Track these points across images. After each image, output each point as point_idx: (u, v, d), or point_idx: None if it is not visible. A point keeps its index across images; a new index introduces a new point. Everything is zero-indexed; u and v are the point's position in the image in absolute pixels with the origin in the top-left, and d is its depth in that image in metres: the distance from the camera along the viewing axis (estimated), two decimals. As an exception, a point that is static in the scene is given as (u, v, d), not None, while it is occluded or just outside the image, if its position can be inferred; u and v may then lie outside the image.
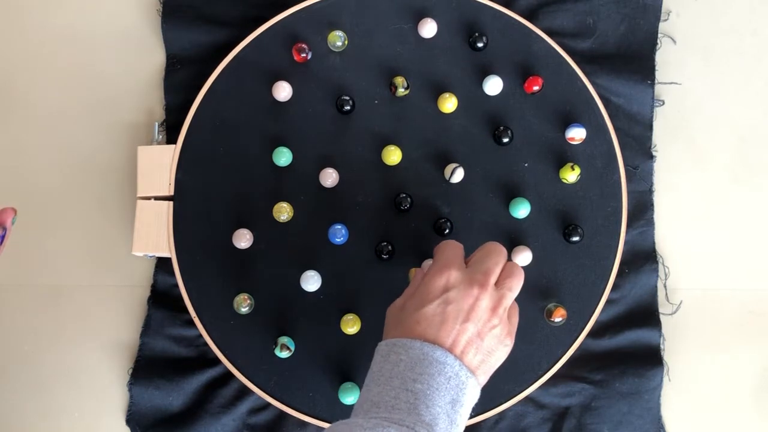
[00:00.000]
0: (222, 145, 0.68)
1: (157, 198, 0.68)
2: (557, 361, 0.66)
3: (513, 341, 0.54)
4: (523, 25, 0.70)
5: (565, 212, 0.68)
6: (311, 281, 0.65)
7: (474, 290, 0.51)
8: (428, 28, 0.69)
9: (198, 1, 0.72)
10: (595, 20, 0.72)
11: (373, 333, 0.66)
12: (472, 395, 0.50)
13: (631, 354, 0.68)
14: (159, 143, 0.70)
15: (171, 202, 0.67)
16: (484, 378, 0.52)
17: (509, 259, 0.67)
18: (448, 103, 0.68)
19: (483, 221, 0.68)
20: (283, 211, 0.66)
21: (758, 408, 0.70)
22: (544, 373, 0.66)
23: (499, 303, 0.52)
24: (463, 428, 0.50)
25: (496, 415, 0.66)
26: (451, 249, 0.55)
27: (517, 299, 0.67)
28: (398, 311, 0.54)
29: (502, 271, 0.54)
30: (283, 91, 0.68)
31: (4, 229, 0.55)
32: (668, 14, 0.74)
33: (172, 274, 0.67)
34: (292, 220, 0.67)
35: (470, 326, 0.50)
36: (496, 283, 0.53)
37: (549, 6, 0.72)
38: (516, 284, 0.54)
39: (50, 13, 0.73)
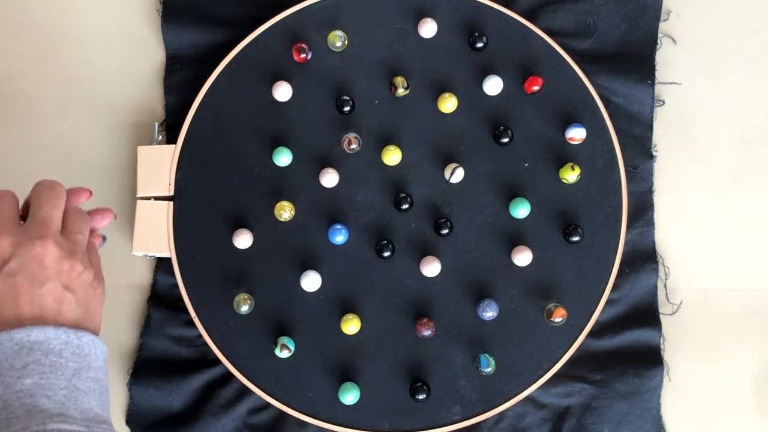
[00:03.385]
0: (222, 145, 0.68)
1: (157, 198, 0.68)
2: (557, 361, 0.66)
3: (103, 280, 0.49)
4: (523, 25, 0.70)
5: (565, 212, 0.68)
6: (311, 281, 0.65)
7: (37, 248, 0.45)
8: (428, 28, 0.69)
9: (198, 1, 0.72)
10: (595, 20, 0.72)
11: (373, 333, 0.66)
12: (94, 349, 0.45)
13: (631, 354, 0.68)
14: (159, 143, 0.70)
15: (171, 202, 0.67)
16: (94, 324, 0.47)
17: (509, 259, 0.67)
18: (448, 103, 0.68)
19: (483, 221, 0.68)
20: (285, 210, 0.66)
21: (758, 408, 0.70)
22: (544, 373, 0.66)
23: (74, 248, 0.47)
24: (106, 381, 0.46)
25: (496, 415, 0.66)
26: (6, 201, 0.48)
27: (517, 300, 0.67)
28: None
29: (63, 219, 0.48)
30: (283, 91, 0.68)
31: (104, 237, 0.54)
32: (668, 14, 0.74)
33: (172, 274, 0.67)
34: (292, 220, 0.67)
35: (51, 285, 0.44)
36: (62, 231, 0.47)
37: (549, 6, 0.72)
38: (84, 225, 0.49)
39: (50, 13, 0.73)
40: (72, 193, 0.52)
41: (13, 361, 0.41)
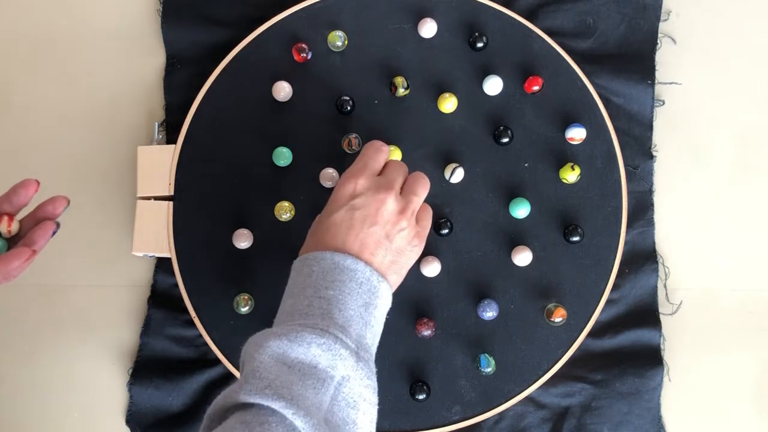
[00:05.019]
0: (222, 145, 0.68)
1: (157, 198, 0.68)
2: (557, 361, 0.66)
3: (423, 243, 0.56)
4: (523, 25, 0.70)
5: (565, 212, 0.68)
6: (311, 281, 0.65)
7: (380, 195, 0.54)
8: (428, 28, 0.69)
9: (198, 1, 0.72)
10: (595, 20, 0.72)
11: (373, 333, 0.66)
12: (384, 298, 0.53)
13: (631, 354, 0.68)
14: (159, 143, 0.70)
15: (171, 202, 0.67)
16: (396, 278, 0.55)
17: (509, 259, 0.67)
18: (448, 103, 0.68)
19: (483, 221, 0.68)
20: (285, 210, 0.66)
21: (758, 408, 0.70)
22: (544, 373, 0.66)
23: (406, 206, 0.55)
24: (380, 330, 0.53)
25: (496, 415, 0.66)
26: (368, 155, 0.57)
27: (517, 300, 0.67)
28: (316, 224, 0.56)
29: (406, 180, 0.57)
30: (283, 91, 0.68)
31: (58, 224, 0.55)
32: (668, 14, 0.74)
33: (172, 274, 0.67)
34: (292, 220, 0.67)
35: (377, 229, 0.53)
36: (402, 192, 0.56)
37: (549, 6, 0.72)
38: (422, 189, 0.57)
39: (50, 13, 0.73)
40: (49, 201, 0.55)
41: (326, 274, 0.51)
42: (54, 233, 0.54)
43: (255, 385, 0.45)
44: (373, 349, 0.52)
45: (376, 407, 0.49)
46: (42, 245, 0.54)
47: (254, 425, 0.42)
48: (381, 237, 0.53)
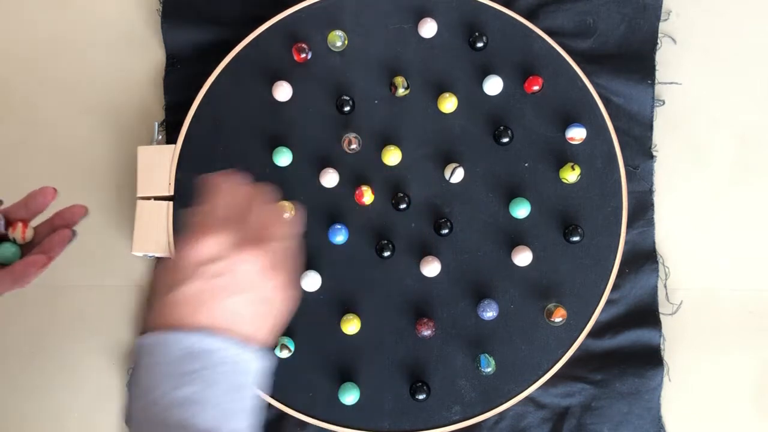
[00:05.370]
0: (222, 145, 0.68)
1: (157, 198, 0.68)
2: (557, 361, 0.66)
3: (296, 292, 0.46)
4: (523, 25, 0.70)
5: (565, 212, 0.68)
6: (311, 281, 0.65)
7: (246, 255, 0.42)
8: (428, 28, 0.69)
9: (198, 1, 0.72)
10: (595, 20, 0.72)
11: (373, 333, 0.66)
12: (256, 370, 0.43)
13: (631, 354, 0.68)
14: (159, 143, 0.70)
15: (171, 202, 0.67)
16: (266, 340, 0.44)
17: (509, 259, 0.67)
18: (448, 103, 0.68)
19: (483, 221, 0.68)
20: (285, 210, 0.66)
21: (758, 408, 0.70)
22: (544, 373, 0.66)
23: (277, 262, 0.44)
24: (259, 401, 0.45)
25: (496, 415, 0.66)
26: (224, 197, 0.45)
27: (517, 300, 0.67)
28: (161, 293, 0.43)
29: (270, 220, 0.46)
30: (283, 91, 0.68)
31: (74, 233, 0.54)
32: (668, 14, 0.74)
33: (172, 274, 0.67)
34: (292, 220, 0.67)
35: (245, 298, 0.42)
36: (267, 238, 0.44)
37: (549, 6, 0.72)
38: (288, 234, 0.46)
39: (50, 13, 0.73)
40: (68, 210, 0.53)
41: (178, 366, 0.40)
42: (70, 241, 0.53)
43: None
44: (256, 427, 0.44)
45: None
46: (58, 253, 0.52)
47: None
48: (248, 306, 0.43)
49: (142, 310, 0.50)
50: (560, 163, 0.68)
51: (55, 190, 0.53)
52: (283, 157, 0.67)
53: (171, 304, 0.42)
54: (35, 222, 0.55)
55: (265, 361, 0.44)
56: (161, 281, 0.43)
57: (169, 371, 0.40)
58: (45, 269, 0.51)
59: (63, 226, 0.54)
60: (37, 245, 0.53)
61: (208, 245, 0.42)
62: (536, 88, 0.68)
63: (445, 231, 0.67)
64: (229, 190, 0.46)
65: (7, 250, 0.52)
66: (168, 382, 0.40)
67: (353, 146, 0.67)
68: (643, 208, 0.71)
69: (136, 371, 0.42)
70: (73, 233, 0.54)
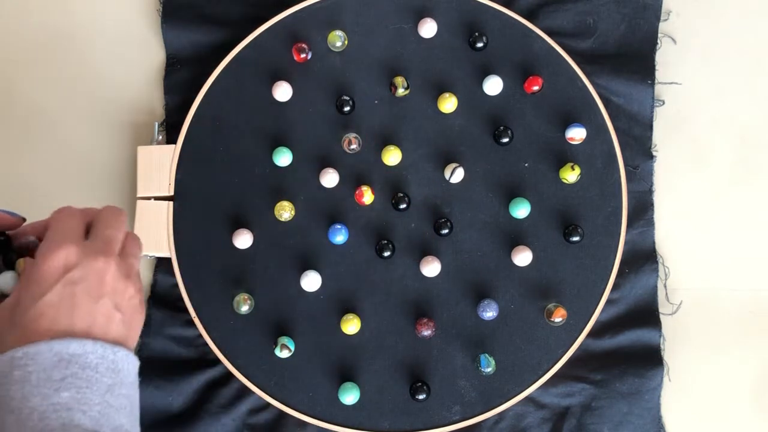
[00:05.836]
0: (222, 145, 0.68)
1: (157, 198, 0.68)
2: (557, 361, 0.66)
3: (144, 306, 0.50)
4: (523, 25, 0.70)
5: (565, 212, 0.68)
6: (311, 281, 0.65)
7: (100, 263, 0.45)
8: (428, 28, 0.69)
9: (198, 1, 0.72)
10: (595, 20, 0.72)
11: (373, 333, 0.66)
12: (128, 365, 0.45)
13: (631, 354, 0.68)
14: (159, 143, 0.70)
15: (171, 202, 0.67)
16: (133, 342, 0.47)
17: (509, 259, 0.67)
18: (448, 103, 0.68)
19: (483, 221, 0.68)
20: (285, 210, 0.66)
21: (758, 408, 0.70)
22: (544, 373, 0.66)
23: (130, 272, 0.47)
24: (136, 394, 0.47)
25: (496, 415, 0.66)
26: (64, 221, 0.47)
27: (517, 300, 0.67)
28: (9, 312, 0.45)
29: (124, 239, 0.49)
30: (283, 91, 0.68)
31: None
32: (668, 14, 0.74)
33: (172, 274, 0.67)
34: (292, 220, 0.67)
35: (107, 301, 0.45)
36: (120, 253, 0.48)
37: (549, 6, 0.72)
38: (138, 249, 0.50)
39: (50, 13, 0.73)
40: None
41: (52, 372, 0.42)
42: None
43: None
44: (137, 425, 0.46)
45: None
46: None
47: None
48: (111, 309, 0.45)
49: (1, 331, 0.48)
50: (560, 163, 0.68)
51: (23, 219, 0.51)
52: (283, 157, 0.67)
53: (35, 316, 0.43)
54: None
55: (135, 359, 0.46)
56: (25, 292, 0.44)
57: (45, 378, 0.41)
58: None
59: None
60: None
61: (59, 256, 0.44)
62: (536, 88, 0.68)
63: (445, 231, 0.67)
64: (68, 213, 0.48)
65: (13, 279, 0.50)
66: (44, 389, 0.41)
67: (353, 146, 0.67)
68: (643, 208, 0.71)
69: (6, 386, 0.41)
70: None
